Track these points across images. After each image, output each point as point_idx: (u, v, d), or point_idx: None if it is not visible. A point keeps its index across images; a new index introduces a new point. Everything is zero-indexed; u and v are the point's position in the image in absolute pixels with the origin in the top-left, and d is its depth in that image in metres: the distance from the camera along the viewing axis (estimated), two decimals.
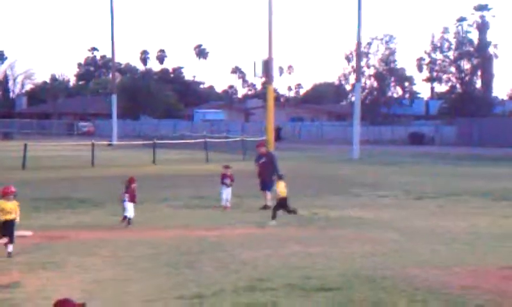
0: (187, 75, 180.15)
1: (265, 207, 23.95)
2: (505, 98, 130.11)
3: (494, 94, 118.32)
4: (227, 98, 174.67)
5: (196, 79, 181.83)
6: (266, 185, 24.61)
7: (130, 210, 20.45)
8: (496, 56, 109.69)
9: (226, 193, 24.38)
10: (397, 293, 12.18)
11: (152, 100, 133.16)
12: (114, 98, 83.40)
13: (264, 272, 13.84)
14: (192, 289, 12.48)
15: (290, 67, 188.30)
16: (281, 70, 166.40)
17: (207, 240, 17.88)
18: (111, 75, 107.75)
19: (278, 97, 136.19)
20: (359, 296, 11.98)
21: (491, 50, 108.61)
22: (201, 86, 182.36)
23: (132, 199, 20.61)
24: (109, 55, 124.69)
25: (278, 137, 77.60)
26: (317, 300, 11.73)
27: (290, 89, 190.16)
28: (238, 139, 62.94)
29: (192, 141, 62.67)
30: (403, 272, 13.91)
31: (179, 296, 11.99)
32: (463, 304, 11.56)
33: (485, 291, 12.37)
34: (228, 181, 24.42)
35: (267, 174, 24.54)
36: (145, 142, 63.54)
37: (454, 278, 13.46)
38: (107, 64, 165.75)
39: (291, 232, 19.41)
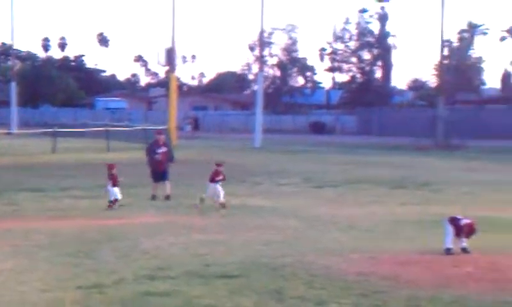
0: (89, 63, 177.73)
1: (167, 197, 23.87)
2: (404, 88, 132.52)
3: (393, 84, 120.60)
4: (129, 87, 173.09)
5: (98, 67, 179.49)
6: (165, 175, 24.41)
7: (116, 193, 21.81)
8: (396, 47, 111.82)
9: (220, 190, 22.15)
10: (295, 280, 12.36)
11: (53, 88, 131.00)
12: (13, 85, 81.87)
13: (164, 261, 13.86)
14: (92, 278, 12.41)
15: (193, 56, 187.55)
16: (184, 59, 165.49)
17: (107, 229, 17.77)
18: (10, 62, 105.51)
19: (181, 86, 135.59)
20: (258, 283, 12.12)
21: (390, 40, 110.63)
22: (103, 74, 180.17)
23: (114, 184, 21.82)
24: (9, 42, 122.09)
25: (196, 127, 77.58)
26: (216, 288, 11.81)
27: (193, 78, 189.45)
28: (140, 127, 62.46)
29: (94, 129, 61.95)
30: (302, 259, 14.12)
31: (79, 286, 11.91)
32: (360, 290, 11.81)
33: (381, 277, 12.66)
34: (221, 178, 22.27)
35: (166, 164, 24.46)
36: (45, 130, 62.46)
37: (352, 265, 13.73)
38: (7, 51, 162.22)
39: (192, 220, 19.47)
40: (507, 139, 61.67)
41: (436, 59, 79.14)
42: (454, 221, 15.03)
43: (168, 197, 23.82)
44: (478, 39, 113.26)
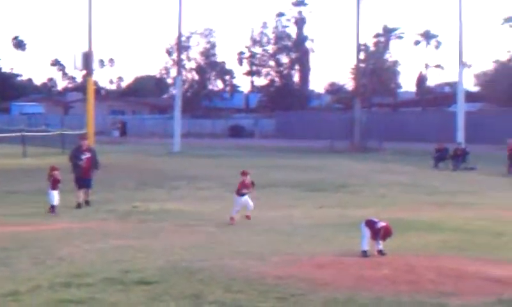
0: (5, 67, 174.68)
1: (87, 203, 23.50)
2: (322, 91, 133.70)
3: (311, 87, 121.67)
4: (46, 91, 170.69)
5: (14, 71, 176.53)
6: (89, 182, 24.02)
7: (54, 197, 21.61)
8: (313, 51, 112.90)
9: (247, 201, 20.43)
10: (214, 285, 12.34)
11: None
12: None
13: (81, 268, 13.69)
14: (7, 286, 12.18)
15: (111, 60, 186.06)
16: (101, 63, 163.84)
17: (23, 236, 17.49)
18: None
19: (98, 90, 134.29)
20: (177, 288, 12.06)
21: (308, 44, 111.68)
22: (19, 79, 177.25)
23: (54, 187, 21.59)
24: None
25: (124, 132, 76.92)
26: (135, 294, 11.71)
27: (111, 82, 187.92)
28: (57, 132, 61.63)
29: (9, 135, 60.87)
30: (220, 263, 14.11)
31: None
32: (278, 293, 11.86)
33: (299, 280, 12.74)
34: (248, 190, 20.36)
35: (91, 171, 24.06)
36: None
37: (270, 268, 13.78)
38: None
39: (110, 226, 19.31)
40: (422, 141, 62.75)
41: (353, 62, 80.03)
42: (370, 224, 15.24)
43: (87, 203, 23.52)
44: (393, 43, 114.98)
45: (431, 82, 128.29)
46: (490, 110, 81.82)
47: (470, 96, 77.07)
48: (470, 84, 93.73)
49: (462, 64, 53.82)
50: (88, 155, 24.08)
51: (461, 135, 50.29)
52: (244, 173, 20.58)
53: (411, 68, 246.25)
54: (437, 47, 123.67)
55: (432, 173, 38.62)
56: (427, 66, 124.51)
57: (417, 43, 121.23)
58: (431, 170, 40.31)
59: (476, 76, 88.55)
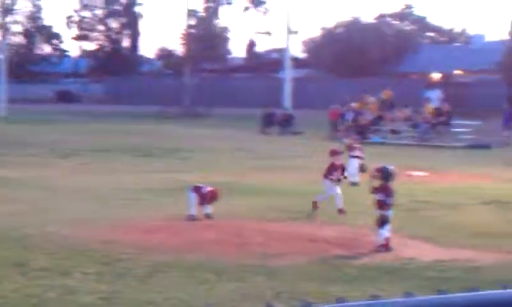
0: None
1: None
2: (153, 56, 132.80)
3: (141, 53, 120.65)
4: None
5: None
6: None
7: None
8: (142, 15, 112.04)
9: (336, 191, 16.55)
10: (38, 252, 12.14)
11: None
12: None
13: None
14: None
15: None
16: None
17: None
18: None
19: None
20: (0, 257, 11.78)
21: (137, 9, 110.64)
22: None
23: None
24: None
25: None
26: None
27: None
28: None
29: None
30: (44, 230, 13.86)
31: None
32: (104, 258, 11.79)
33: (126, 245, 12.72)
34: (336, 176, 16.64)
35: None
36: None
37: (97, 234, 13.67)
38: None
39: None
40: (251, 106, 63.48)
41: (183, 28, 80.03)
42: (197, 189, 15.41)
43: None
44: (223, 9, 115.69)
45: (260, 49, 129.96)
46: (315, 77, 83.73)
47: (298, 63, 78.58)
48: (297, 51, 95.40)
49: (289, 31, 54.80)
50: None
51: (288, 101, 51.29)
52: (333, 153, 17.04)
53: (240, 34, 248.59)
54: (265, 14, 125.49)
55: (260, 138, 39.26)
56: (256, 32, 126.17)
57: (246, 9, 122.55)
58: (258, 135, 40.95)
59: (304, 43, 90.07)
